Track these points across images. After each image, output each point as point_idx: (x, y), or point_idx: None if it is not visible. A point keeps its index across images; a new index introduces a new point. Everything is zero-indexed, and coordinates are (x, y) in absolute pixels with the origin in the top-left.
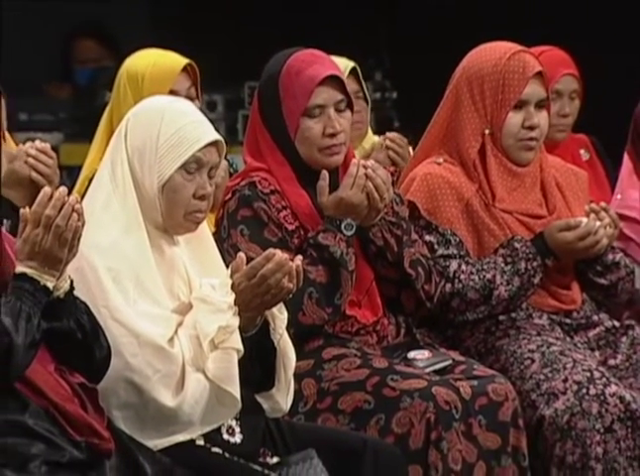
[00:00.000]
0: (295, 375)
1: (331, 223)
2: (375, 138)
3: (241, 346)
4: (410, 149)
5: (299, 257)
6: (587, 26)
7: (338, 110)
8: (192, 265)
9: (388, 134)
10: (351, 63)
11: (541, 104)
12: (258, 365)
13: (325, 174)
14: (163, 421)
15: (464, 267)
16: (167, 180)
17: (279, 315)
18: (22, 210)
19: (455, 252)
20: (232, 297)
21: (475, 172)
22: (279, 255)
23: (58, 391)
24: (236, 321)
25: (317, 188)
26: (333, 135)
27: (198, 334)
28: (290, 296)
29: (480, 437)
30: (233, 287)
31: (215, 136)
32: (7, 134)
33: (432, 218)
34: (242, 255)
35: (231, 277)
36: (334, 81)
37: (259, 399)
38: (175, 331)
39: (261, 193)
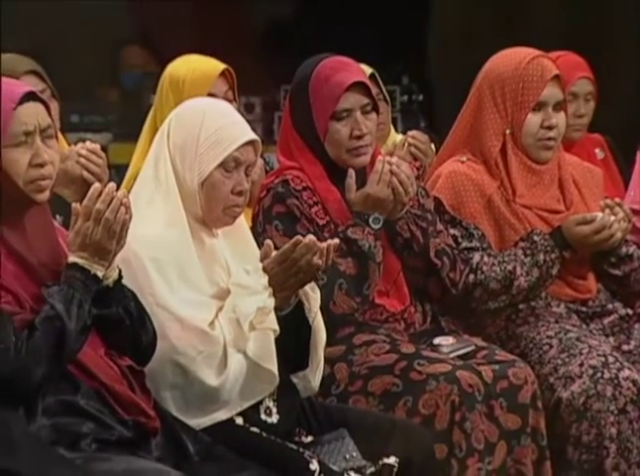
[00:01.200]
0: (328, 360)
1: (359, 218)
2: (398, 136)
3: (277, 326)
4: (432, 146)
5: (335, 240)
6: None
7: (364, 113)
8: (230, 255)
9: (410, 132)
10: (370, 70)
11: (558, 106)
12: (293, 344)
13: (352, 172)
14: (207, 400)
15: (486, 259)
16: (207, 177)
17: (313, 295)
18: (74, 205)
19: (478, 245)
20: (266, 278)
21: (496, 169)
22: (307, 239)
23: (108, 373)
24: (272, 302)
25: (345, 186)
26: (360, 137)
27: (238, 317)
28: (323, 280)
29: (501, 418)
30: (265, 270)
31: (252, 136)
32: (60, 135)
33: (456, 213)
34: (269, 241)
35: (261, 262)
36: (360, 86)
37: (293, 379)
38: (216, 315)
39: (293, 190)
